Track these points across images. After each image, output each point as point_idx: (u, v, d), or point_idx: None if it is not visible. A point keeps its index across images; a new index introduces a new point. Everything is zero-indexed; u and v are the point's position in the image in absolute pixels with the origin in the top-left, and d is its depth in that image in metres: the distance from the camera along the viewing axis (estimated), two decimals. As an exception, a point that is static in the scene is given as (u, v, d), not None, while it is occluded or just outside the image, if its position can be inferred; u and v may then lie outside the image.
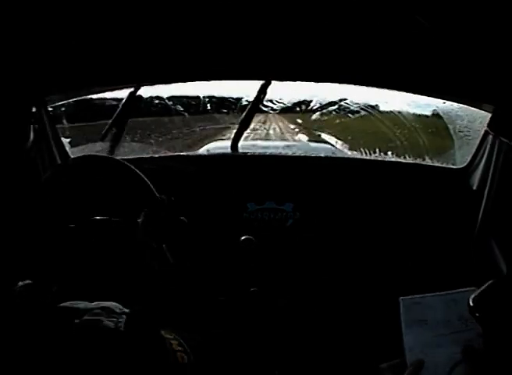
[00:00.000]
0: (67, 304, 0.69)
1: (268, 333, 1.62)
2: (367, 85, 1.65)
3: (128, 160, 1.40)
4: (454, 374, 0.88)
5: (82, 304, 0.70)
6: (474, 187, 1.62)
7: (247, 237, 1.62)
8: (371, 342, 1.54)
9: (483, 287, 0.85)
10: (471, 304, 0.84)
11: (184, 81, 1.70)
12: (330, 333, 1.64)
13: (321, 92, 2.20)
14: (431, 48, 1.16)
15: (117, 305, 0.71)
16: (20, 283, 0.70)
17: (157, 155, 1.92)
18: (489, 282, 0.86)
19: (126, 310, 0.71)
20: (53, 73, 1.17)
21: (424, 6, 0.99)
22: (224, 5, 1.07)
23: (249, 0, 1.07)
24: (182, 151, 2.09)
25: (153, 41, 1.20)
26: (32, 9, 0.91)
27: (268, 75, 1.60)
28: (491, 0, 0.94)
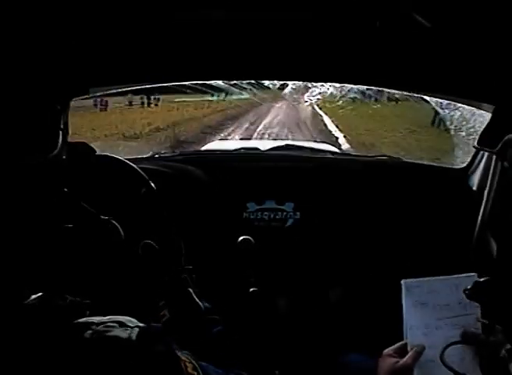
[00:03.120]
0: (81, 320, 0.69)
1: (268, 333, 1.62)
2: (367, 85, 1.65)
3: (127, 160, 1.39)
4: (449, 354, 0.90)
5: (96, 318, 0.69)
6: (474, 187, 1.62)
7: (244, 237, 1.61)
8: (372, 341, 1.54)
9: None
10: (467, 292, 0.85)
11: (184, 81, 1.70)
12: (331, 332, 1.64)
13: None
14: (431, 47, 1.16)
15: (131, 319, 0.70)
16: (33, 297, 0.69)
17: (156, 155, 1.93)
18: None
19: (141, 324, 0.70)
20: (76, 73, 1.17)
21: (424, 6, 0.99)
22: (224, 5, 1.07)
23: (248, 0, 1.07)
24: (182, 151, 2.09)
25: (153, 41, 1.19)
26: (45, 14, 0.91)
27: (267, 74, 1.60)
28: (491, 0, 0.94)
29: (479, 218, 1.53)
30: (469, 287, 0.85)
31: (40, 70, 0.85)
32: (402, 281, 0.97)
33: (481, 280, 0.85)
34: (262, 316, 1.63)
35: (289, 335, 1.63)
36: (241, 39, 1.22)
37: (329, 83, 1.99)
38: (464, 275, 0.96)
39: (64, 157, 0.77)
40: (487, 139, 0.91)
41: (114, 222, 1.07)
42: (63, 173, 0.79)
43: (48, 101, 0.75)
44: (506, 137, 0.80)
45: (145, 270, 1.07)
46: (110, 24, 1.06)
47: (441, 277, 0.98)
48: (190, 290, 1.05)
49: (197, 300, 1.04)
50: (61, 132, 0.74)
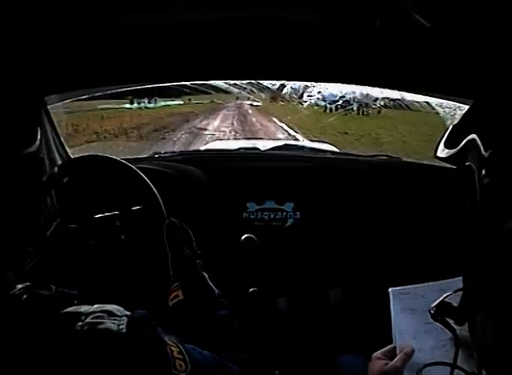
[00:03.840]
0: (69, 309, 0.69)
1: (268, 333, 1.62)
2: (367, 85, 1.65)
3: (127, 160, 1.40)
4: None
5: (84, 307, 0.69)
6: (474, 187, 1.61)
7: (248, 235, 1.62)
8: (371, 341, 1.54)
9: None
10: (432, 312, 0.82)
11: (184, 81, 1.70)
12: (330, 332, 1.64)
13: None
14: (431, 47, 1.16)
15: (118, 308, 0.71)
16: (19, 286, 0.70)
17: (156, 155, 1.93)
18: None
19: (128, 313, 0.71)
20: (53, 72, 1.17)
21: (424, 6, 0.99)
22: (224, 5, 1.07)
23: (247, 1, 1.07)
24: (182, 151, 2.09)
25: (152, 41, 1.19)
26: (31, 9, 0.91)
27: (267, 74, 1.60)
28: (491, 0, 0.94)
29: (479, 218, 1.53)
30: (434, 306, 0.83)
31: (14, 67, 0.85)
32: (389, 289, 0.98)
33: (446, 300, 0.82)
34: (262, 316, 1.63)
35: (289, 335, 1.63)
36: (240, 39, 1.22)
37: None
38: (451, 279, 0.95)
39: (42, 155, 0.78)
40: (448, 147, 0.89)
41: (115, 220, 1.08)
42: (43, 169, 0.79)
43: (23, 98, 0.75)
44: (468, 138, 0.77)
45: (165, 251, 1.08)
46: (95, 24, 1.06)
47: (428, 283, 0.98)
48: (205, 274, 1.07)
49: (211, 284, 1.06)
50: (39, 129, 0.74)
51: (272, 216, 1.67)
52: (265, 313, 1.64)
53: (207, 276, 1.07)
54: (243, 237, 1.61)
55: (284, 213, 1.68)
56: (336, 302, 1.68)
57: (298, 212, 1.67)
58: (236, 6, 1.08)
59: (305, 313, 1.67)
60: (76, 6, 0.96)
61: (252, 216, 1.67)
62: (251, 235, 1.61)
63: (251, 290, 1.62)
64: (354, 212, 1.66)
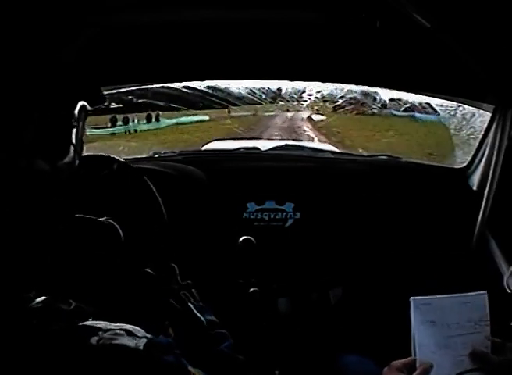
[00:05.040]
0: (87, 323, 0.68)
1: (269, 333, 1.62)
2: (367, 85, 1.65)
3: (127, 160, 1.39)
4: None
5: (102, 323, 0.68)
6: (474, 187, 1.62)
7: (245, 237, 1.61)
8: (372, 341, 1.54)
9: None
10: None
11: (184, 81, 1.70)
12: (330, 332, 1.64)
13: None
14: (430, 47, 1.16)
15: (139, 329, 0.70)
16: (37, 300, 0.68)
17: (156, 155, 1.92)
18: None
19: (149, 335, 0.69)
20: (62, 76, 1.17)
21: (424, 6, 0.99)
22: (224, 5, 1.07)
23: (247, 1, 1.07)
24: (182, 151, 2.08)
25: (154, 41, 1.19)
26: (41, 14, 0.91)
27: (267, 74, 1.60)
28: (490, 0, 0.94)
29: (479, 218, 1.53)
30: None
31: (44, 75, 0.85)
32: (411, 299, 0.96)
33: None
34: (262, 316, 1.63)
35: (290, 335, 1.63)
36: (240, 39, 1.22)
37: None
38: (474, 293, 0.95)
39: (76, 164, 0.76)
40: None
41: (113, 222, 1.06)
42: (74, 180, 0.78)
43: (56, 107, 0.74)
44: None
45: (146, 296, 1.06)
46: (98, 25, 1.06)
47: (450, 295, 0.97)
48: (191, 305, 1.04)
49: (199, 314, 1.03)
50: (73, 139, 0.74)
51: (272, 216, 1.67)
52: (266, 313, 1.63)
53: (193, 306, 1.03)
54: (241, 238, 1.61)
55: (284, 213, 1.67)
56: (337, 302, 1.67)
57: (298, 213, 1.67)
58: (236, 7, 1.08)
59: (305, 313, 1.66)
60: (76, 7, 0.97)
61: (252, 216, 1.67)
62: (249, 237, 1.61)
63: (252, 290, 1.62)
64: (354, 212, 1.66)
